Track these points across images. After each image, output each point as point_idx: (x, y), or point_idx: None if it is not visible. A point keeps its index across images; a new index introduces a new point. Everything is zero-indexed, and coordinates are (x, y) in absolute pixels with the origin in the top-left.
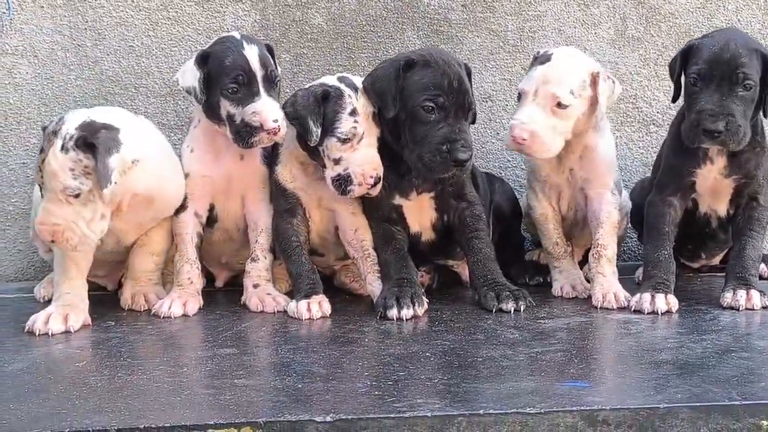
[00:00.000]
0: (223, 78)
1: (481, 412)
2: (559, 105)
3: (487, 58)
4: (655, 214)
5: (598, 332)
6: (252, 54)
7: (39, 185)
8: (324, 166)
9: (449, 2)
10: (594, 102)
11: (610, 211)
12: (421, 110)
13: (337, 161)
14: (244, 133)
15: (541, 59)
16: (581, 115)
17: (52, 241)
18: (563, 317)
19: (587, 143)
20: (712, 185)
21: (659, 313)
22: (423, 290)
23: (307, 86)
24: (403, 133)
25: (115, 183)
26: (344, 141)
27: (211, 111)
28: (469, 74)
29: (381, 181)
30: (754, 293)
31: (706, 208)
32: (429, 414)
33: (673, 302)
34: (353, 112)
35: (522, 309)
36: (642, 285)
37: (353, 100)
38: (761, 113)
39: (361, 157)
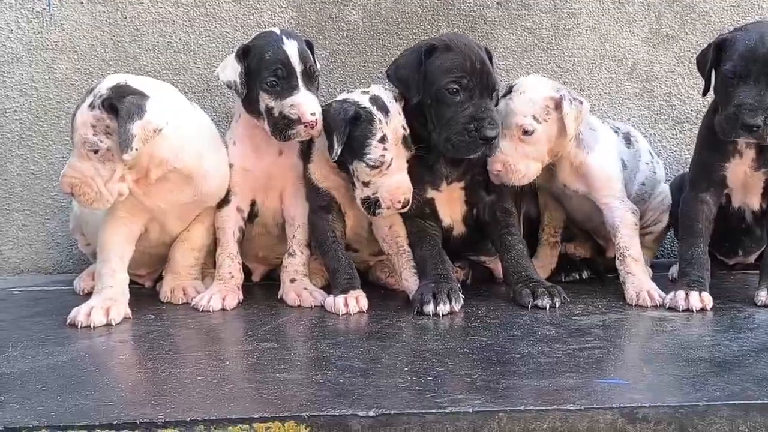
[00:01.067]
0: (262, 71)
1: (521, 408)
2: (525, 132)
3: (522, 55)
4: (688, 211)
5: (633, 329)
6: (292, 49)
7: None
8: (353, 185)
9: (484, 0)
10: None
11: (622, 216)
12: (446, 92)
13: (366, 184)
14: (281, 126)
15: (505, 92)
16: (554, 138)
17: (71, 194)
18: (598, 314)
19: (573, 161)
20: (743, 179)
21: (694, 310)
22: (459, 286)
23: (340, 98)
24: (430, 117)
25: (136, 150)
26: (373, 167)
27: (251, 105)
28: (490, 57)
29: (410, 203)
30: None
31: (740, 202)
32: (470, 410)
33: (708, 300)
34: (383, 139)
35: (557, 305)
36: (676, 282)
37: (383, 126)
38: None
39: (390, 182)
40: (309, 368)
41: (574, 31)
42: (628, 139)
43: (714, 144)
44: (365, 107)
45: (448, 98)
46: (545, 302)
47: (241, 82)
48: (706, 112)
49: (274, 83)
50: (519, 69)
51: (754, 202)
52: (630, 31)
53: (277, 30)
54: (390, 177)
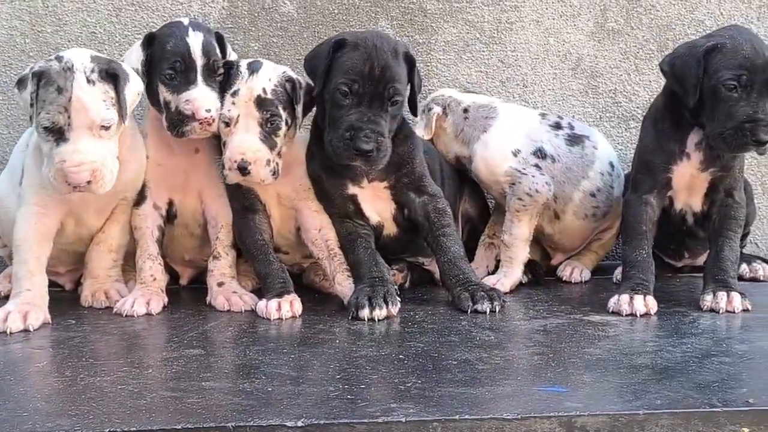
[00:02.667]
0: (162, 63)
1: (456, 417)
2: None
3: (463, 49)
4: (632, 213)
5: (574, 335)
6: (195, 41)
7: (47, 129)
8: None
9: None
10: None
11: (507, 202)
12: (338, 93)
13: (224, 145)
14: (176, 122)
15: None
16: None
17: (89, 182)
18: (539, 318)
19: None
20: (689, 181)
21: (638, 315)
22: (396, 288)
23: None
24: (326, 114)
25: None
26: (225, 123)
27: (152, 96)
28: (411, 64)
29: (255, 168)
30: (735, 295)
31: (682, 204)
32: (403, 419)
33: (652, 304)
34: (235, 93)
35: (497, 310)
36: (620, 286)
37: (241, 81)
38: None
39: (232, 140)
40: (236, 376)
41: (517, 24)
42: (576, 139)
43: (660, 145)
44: (239, 64)
45: (338, 99)
46: (485, 307)
47: (142, 70)
48: (649, 111)
49: (172, 76)
50: (460, 63)
51: (696, 203)
52: (574, 25)
53: (185, 20)
54: (235, 135)
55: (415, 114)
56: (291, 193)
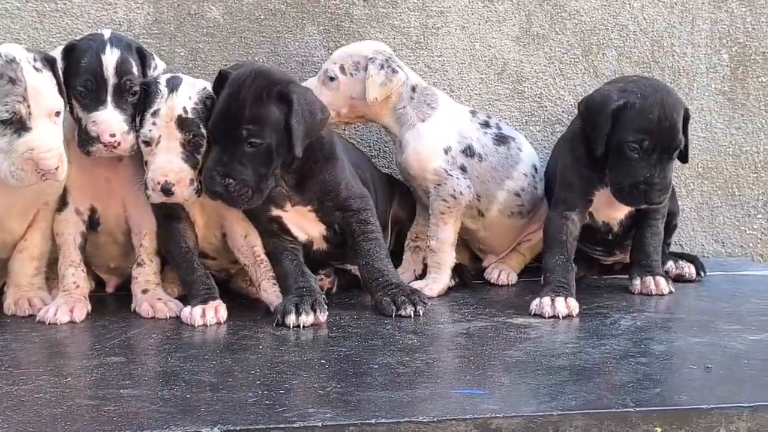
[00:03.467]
0: (75, 79)
1: (372, 421)
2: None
3: None
4: (553, 226)
5: (496, 337)
6: (110, 60)
7: (6, 121)
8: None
9: None
10: None
11: (431, 203)
12: (208, 131)
13: (146, 164)
14: (84, 140)
15: None
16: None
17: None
18: (463, 322)
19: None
20: (608, 201)
21: (560, 317)
22: (324, 297)
23: None
24: None
25: None
26: (146, 143)
27: (69, 108)
28: (288, 104)
29: (179, 189)
30: (661, 279)
31: (605, 217)
32: (319, 424)
33: (574, 305)
34: (155, 113)
35: (421, 313)
36: (542, 289)
37: (161, 100)
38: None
39: (155, 162)
40: (156, 384)
41: (443, 30)
42: (503, 140)
43: (580, 171)
44: (158, 81)
45: (209, 136)
46: (408, 311)
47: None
48: (567, 133)
49: (84, 93)
50: None
51: (619, 217)
52: (500, 30)
53: (106, 34)
54: (157, 156)
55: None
56: (213, 202)
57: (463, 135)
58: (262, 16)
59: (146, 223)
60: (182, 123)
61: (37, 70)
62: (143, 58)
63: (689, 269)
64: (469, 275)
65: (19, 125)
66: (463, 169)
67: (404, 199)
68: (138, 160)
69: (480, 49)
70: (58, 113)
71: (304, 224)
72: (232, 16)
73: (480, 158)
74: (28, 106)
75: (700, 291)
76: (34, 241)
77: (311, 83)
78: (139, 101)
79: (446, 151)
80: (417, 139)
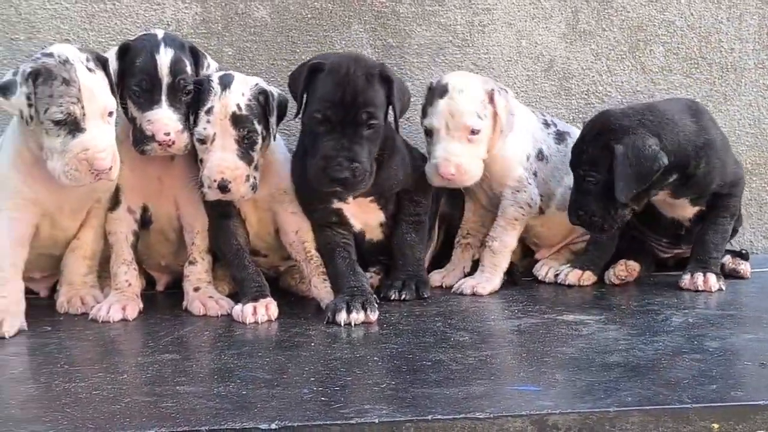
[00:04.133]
0: (130, 79)
1: (429, 417)
2: (473, 132)
3: (437, 52)
4: None
5: (548, 334)
6: (164, 59)
7: (60, 122)
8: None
9: None
10: (495, 117)
11: (505, 208)
12: (313, 120)
13: (201, 162)
14: (139, 139)
15: (439, 91)
16: (491, 133)
17: (110, 168)
18: (513, 318)
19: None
20: (666, 201)
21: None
22: (375, 296)
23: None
24: (306, 136)
25: None
26: (201, 141)
27: (124, 107)
28: (388, 84)
29: (235, 186)
30: (711, 276)
31: (672, 214)
32: (376, 420)
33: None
34: (209, 111)
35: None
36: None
37: (215, 98)
38: None
39: (210, 159)
40: (211, 380)
41: (490, 27)
42: (562, 137)
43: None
44: (210, 79)
45: (314, 126)
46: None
47: (116, 81)
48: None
49: (138, 93)
50: (434, 66)
51: (687, 215)
52: (546, 27)
53: (160, 34)
54: (213, 153)
55: (396, 131)
56: (267, 196)
57: (536, 139)
58: (308, 15)
59: (198, 221)
60: (236, 120)
61: (90, 70)
62: (196, 57)
63: (745, 267)
64: (518, 273)
65: (73, 126)
66: (535, 174)
67: (451, 194)
68: (190, 159)
69: (527, 45)
70: (111, 113)
71: (364, 215)
72: (279, 15)
73: (547, 160)
74: (82, 107)
75: (750, 287)
76: (87, 239)
77: (447, 148)
78: (192, 99)
79: (527, 158)
80: (501, 147)
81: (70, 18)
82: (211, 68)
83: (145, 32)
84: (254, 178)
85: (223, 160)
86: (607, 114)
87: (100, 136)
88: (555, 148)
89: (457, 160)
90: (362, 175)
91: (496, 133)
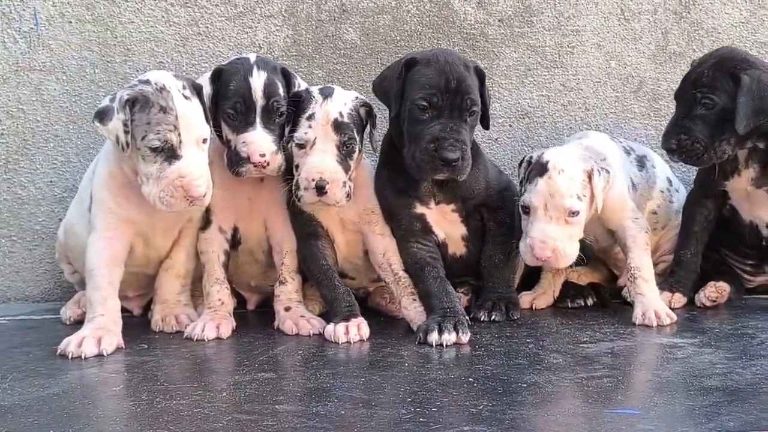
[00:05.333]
0: (224, 102)
1: None
2: (571, 214)
3: (525, 74)
4: (688, 214)
5: (642, 357)
6: (257, 82)
7: (157, 149)
8: None
9: (486, 17)
10: (592, 197)
11: (634, 236)
12: (416, 108)
13: (297, 167)
14: (234, 161)
15: (538, 169)
16: (588, 212)
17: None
18: (606, 341)
19: None
20: (746, 195)
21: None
22: (467, 317)
23: None
24: (404, 132)
25: None
26: (300, 146)
27: (217, 130)
28: (481, 77)
29: (332, 189)
30: None
31: (750, 217)
32: None
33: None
34: (310, 117)
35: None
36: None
37: (316, 105)
38: None
39: (309, 161)
40: (308, 399)
41: (579, 48)
42: (642, 162)
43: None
44: (310, 90)
45: (417, 114)
46: (490, 316)
47: (210, 105)
48: None
49: (233, 116)
50: (522, 88)
51: (765, 216)
52: (636, 48)
53: (252, 57)
54: (312, 157)
55: (487, 128)
56: (355, 217)
57: (626, 172)
58: (398, 38)
59: (287, 241)
60: (338, 126)
61: (186, 98)
62: (288, 79)
63: None
64: (607, 295)
65: (169, 153)
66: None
67: None
68: (279, 180)
69: (616, 67)
70: (205, 140)
71: (445, 224)
72: (368, 37)
73: (635, 189)
74: (179, 135)
75: None
76: (180, 258)
77: (544, 230)
78: (290, 111)
79: (628, 190)
80: (611, 192)
81: (165, 41)
82: (302, 87)
83: (237, 56)
84: (349, 186)
85: (322, 161)
86: (732, 47)
87: (196, 163)
88: (639, 175)
89: (553, 244)
90: (468, 160)
91: (590, 211)
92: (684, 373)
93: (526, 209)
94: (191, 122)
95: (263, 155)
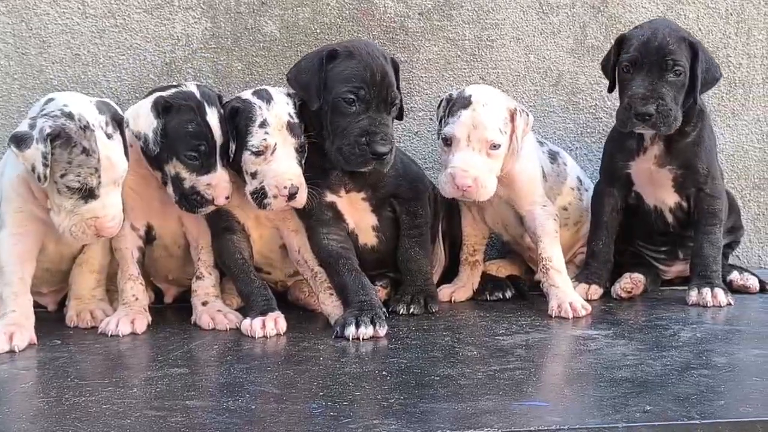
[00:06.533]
0: (182, 144)
1: None
2: (493, 146)
3: (445, 67)
4: (596, 204)
5: (556, 349)
6: (214, 121)
7: (76, 189)
8: (245, 182)
9: (406, 10)
10: (512, 136)
11: (543, 224)
12: (342, 102)
13: (254, 175)
14: (192, 201)
15: (462, 102)
16: (506, 151)
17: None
18: (521, 333)
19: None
20: (649, 176)
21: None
22: (384, 311)
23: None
24: (325, 125)
25: None
26: (257, 154)
27: (157, 163)
28: (396, 69)
29: (300, 193)
30: (719, 291)
31: (654, 201)
32: None
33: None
34: (263, 124)
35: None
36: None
37: (263, 111)
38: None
39: (275, 168)
40: (220, 395)
41: (498, 42)
42: (553, 157)
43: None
44: (245, 99)
45: (343, 108)
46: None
47: (155, 139)
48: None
49: (195, 158)
50: (442, 81)
51: (669, 200)
52: (554, 42)
53: (195, 89)
54: (275, 163)
55: (400, 119)
56: (270, 213)
57: (539, 158)
58: (317, 30)
59: (203, 236)
60: (292, 128)
61: (108, 136)
62: (222, 104)
63: (753, 282)
64: (525, 287)
65: (87, 193)
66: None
67: (449, 215)
68: None
69: (535, 60)
70: (122, 176)
71: (354, 212)
72: (288, 30)
73: (546, 179)
74: (99, 177)
75: (758, 303)
76: (93, 254)
77: (466, 159)
78: (229, 121)
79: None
80: (519, 166)
81: (81, 33)
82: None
83: (173, 84)
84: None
85: (289, 167)
86: (665, 18)
87: (111, 203)
88: (550, 167)
89: (475, 173)
90: (394, 153)
91: (509, 153)
92: (595, 364)
93: (448, 141)
94: (113, 164)
95: (228, 198)
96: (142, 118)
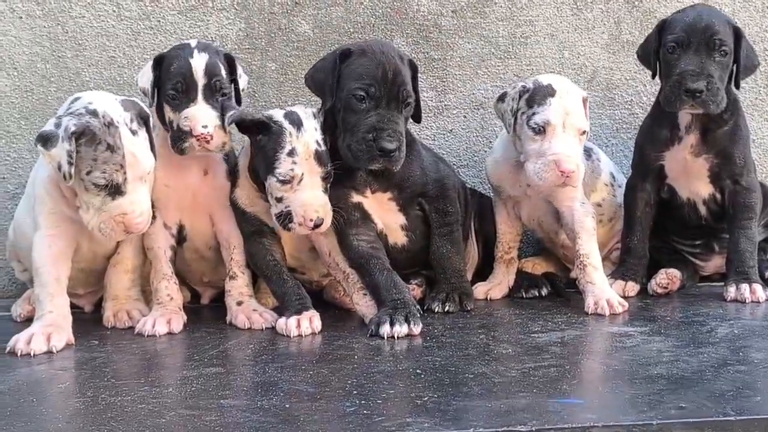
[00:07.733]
0: (166, 83)
1: (471, 430)
2: (582, 133)
3: (478, 64)
4: (629, 199)
5: (592, 346)
6: (198, 62)
7: (102, 186)
8: (268, 201)
9: (439, 8)
10: None
11: (581, 220)
12: (353, 99)
13: (279, 200)
14: (176, 138)
15: (545, 91)
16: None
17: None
18: (557, 331)
19: None
20: (684, 166)
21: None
22: (418, 308)
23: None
24: (338, 123)
25: None
26: (283, 182)
27: (160, 115)
28: (414, 70)
29: (326, 222)
30: (757, 287)
31: (687, 193)
32: None
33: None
34: (292, 153)
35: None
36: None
37: (293, 139)
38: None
39: (301, 198)
40: (255, 394)
41: (532, 39)
42: (588, 153)
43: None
44: (277, 120)
45: (354, 105)
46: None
47: (151, 91)
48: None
49: (174, 95)
50: (476, 79)
51: (702, 191)
52: (589, 38)
53: (193, 42)
54: (302, 193)
55: (418, 121)
56: None
57: None
58: (351, 29)
59: (234, 236)
60: (319, 157)
61: (133, 132)
62: (232, 64)
63: None
64: (561, 284)
65: (113, 189)
66: None
67: (481, 214)
68: (224, 175)
69: (569, 57)
70: (150, 172)
71: (382, 213)
72: (321, 30)
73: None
74: (125, 173)
75: None
76: (127, 254)
77: (568, 145)
78: (261, 140)
79: None
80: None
81: (116, 35)
82: (244, 79)
83: (179, 43)
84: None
85: (316, 198)
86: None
87: (138, 199)
88: (585, 163)
89: (577, 159)
90: (404, 150)
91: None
92: (631, 361)
93: (541, 129)
94: (138, 160)
95: (205, 126)
96: (144, 75)
